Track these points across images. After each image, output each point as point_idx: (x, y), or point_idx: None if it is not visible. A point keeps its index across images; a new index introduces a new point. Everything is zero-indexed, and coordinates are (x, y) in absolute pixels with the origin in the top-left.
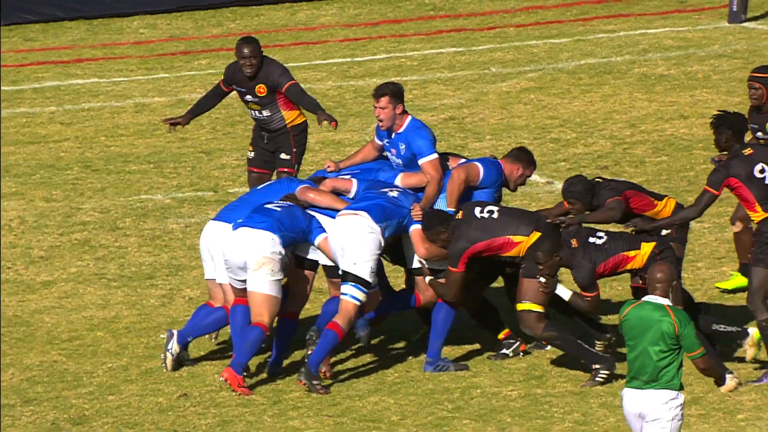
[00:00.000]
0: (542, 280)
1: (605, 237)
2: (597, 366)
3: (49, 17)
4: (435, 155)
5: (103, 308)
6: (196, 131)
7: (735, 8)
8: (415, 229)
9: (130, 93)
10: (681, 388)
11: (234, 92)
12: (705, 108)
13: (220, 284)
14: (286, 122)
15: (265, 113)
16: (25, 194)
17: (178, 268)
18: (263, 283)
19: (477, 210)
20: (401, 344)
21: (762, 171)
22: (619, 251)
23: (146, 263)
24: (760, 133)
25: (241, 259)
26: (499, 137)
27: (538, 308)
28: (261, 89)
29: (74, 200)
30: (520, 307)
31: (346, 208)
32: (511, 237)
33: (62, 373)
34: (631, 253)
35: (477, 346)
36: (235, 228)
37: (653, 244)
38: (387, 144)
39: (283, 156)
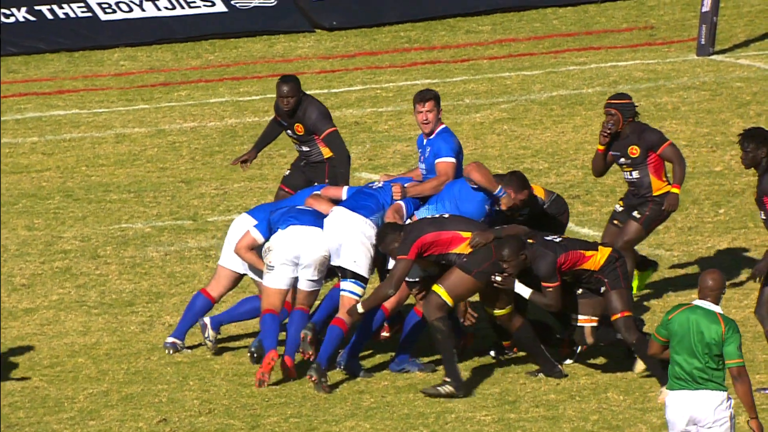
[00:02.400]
0: (498, 278)
1: (561, 237)
2: (448, 379)
3: (30, 49)
4: (452, 159)
5: (83, 335)
6: (176, 161)
7: (703, 41)
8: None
9: (111, 123)
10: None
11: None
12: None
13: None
14: (324, 157)
15: (305, 148)
16: (8, 223)
17: (157, 296)
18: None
19: (428, 216)
20: (377, 369)
21: None
22: (576, 248)
23: (126, 290)
24: (622, 159)
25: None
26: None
27: (448, 298)
28: (299, 128)
29: (55, 229)
30: (435, 287)
31: (340, 204)
32: (460, 232)
33: (44, 398)
34: (588, 253)
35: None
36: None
37: (610, 249)
38: (420, 149)
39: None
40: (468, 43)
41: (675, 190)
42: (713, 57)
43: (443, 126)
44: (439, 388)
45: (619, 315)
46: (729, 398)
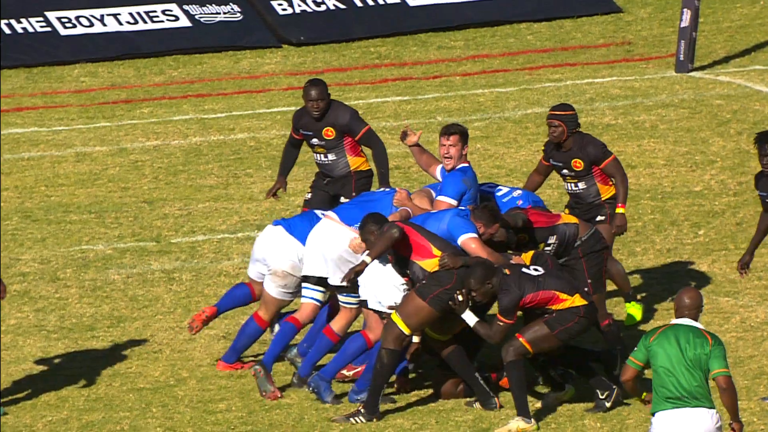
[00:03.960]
0: (458, 298)
1: (542, 271)
2: (363, 411)
3: None
4: (452, 201)
5: (42, 360)
6: (138, 181)
7: (682, 57)
8: (471, 237)
9: (71, 142)
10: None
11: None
12: (652, 158)
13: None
14: (351, 168)
15: (330, 157)
16: None
17: (119, 320)
18: None
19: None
20: (346, 395)
21: None
22: (551, 288)
23: (87, 314)
24: (565, 170)
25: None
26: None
27: (404, 327)
28: (329, 132)
29: (13, 251)
30: (393, 316)
31: (335, 210)
32: (432, 247)
33: (1, 426)
34: (562, 296)
35: (423, 396)
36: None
37: (586, 302)
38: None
39: (343, 200)
40: (440, 59)
41: (620, 210)
42: (692, 74)
43: (464, 164)
44: (351, 419)
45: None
46: (719, 414)
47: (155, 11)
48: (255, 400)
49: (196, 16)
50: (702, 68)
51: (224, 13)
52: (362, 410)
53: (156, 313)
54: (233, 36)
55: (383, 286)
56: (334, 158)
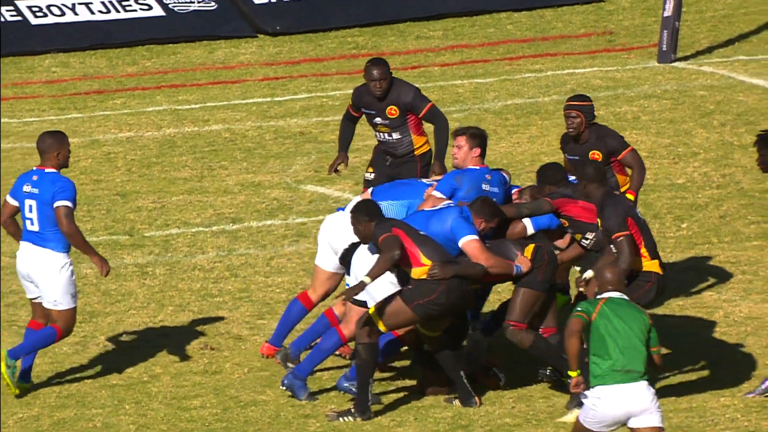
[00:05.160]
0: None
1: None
2: (353, 410)
3: None
4: (441, 195)
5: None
6: (111, 173)
7: (665, 48)
8: (472, 240)
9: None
10: None
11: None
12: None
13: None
14: (414, 147)
15: (395, 136)
16: None
17: (91, 315)
18: None
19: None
20: (321, 392)
21: None
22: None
23: None
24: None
25: None
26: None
27: (381, 326)
28: (392, 111)
29: None
30: (371, 312)
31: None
32: (422, 255)
33: None
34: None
35: (402, 394)
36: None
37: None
38: None
39: None
40: (418, 49)
41: (630, 196)
42: (675, 64)
43: (475, 167)
44: (341, 417)
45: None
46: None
47: (128, 0)
48: (230, 397)
49: (170, 5)
50: (685, 58)
51: (198, 2)
52: (353, 410)
53: (129, 308)
54: (208, 25)
55: (377, 281)
56: (399, 137)
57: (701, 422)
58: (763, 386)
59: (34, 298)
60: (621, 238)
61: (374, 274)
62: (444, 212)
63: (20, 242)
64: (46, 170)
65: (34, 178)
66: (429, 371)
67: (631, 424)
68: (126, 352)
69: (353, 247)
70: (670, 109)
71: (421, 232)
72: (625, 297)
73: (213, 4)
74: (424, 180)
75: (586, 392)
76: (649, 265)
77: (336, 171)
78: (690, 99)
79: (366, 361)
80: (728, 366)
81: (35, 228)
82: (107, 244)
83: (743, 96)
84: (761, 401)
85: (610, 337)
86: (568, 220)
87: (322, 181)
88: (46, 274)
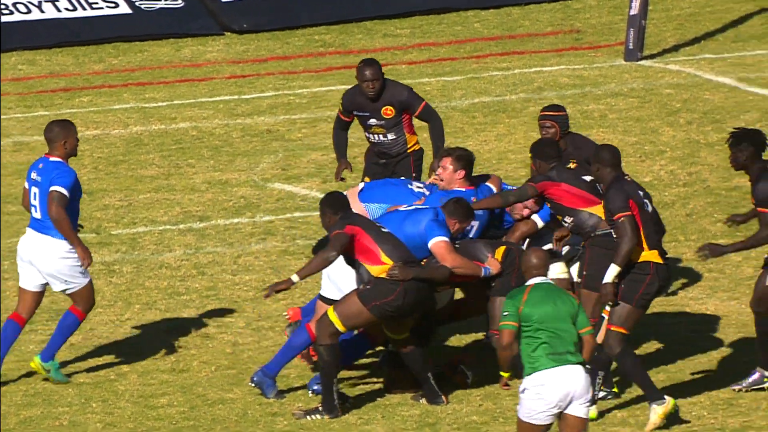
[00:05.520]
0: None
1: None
2: (321, 409)
3: None
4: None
5: None
6: (78, 171)
7: (631, 46)
8: (439, 241)
9: (8, 131)
10: None
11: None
12: None
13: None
14: (408, 146)
15: (390, 136)
16: None
17: (58, 313)
18: None
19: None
20: (289, 391)
21: None
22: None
23: None
24: None
25: None
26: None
27: (340, 326)
28: (388, 111)
29: None
30: (329, 311)
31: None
32: (381, 253)
33: None
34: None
35: (370, 392)
36: None
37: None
38: None
39: None
40: (386, 47)
41: None
42: (642, 62)
43: (458, 189)
44: (308, 415)
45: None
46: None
47: None
48: (197, 395)
49: (137, 3)
50: (651, 57)
51: (165, 0)
52: (320, 408)
53: (96, 306)
54: (175, 23)
55: (345, 279)
56: (394, 137)
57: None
58: (751, 378)
59: (25, 288)
60: (622, 218)
61: (304, 273)
62: (419, 214)
63: (26, 228)
64: (51, 159)
65: (40, 166)
66: (396, 370)
67: (566, 410)
68: (93, 350)
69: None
70: (636, 108)
71: (385, 230)
72: (551, 281)
73: (180, 1)
74: (414, 186)
75: (523, 384)
76: (647, 255)
77: (342, 179)
78: (657, 97)
79: (328, 362)
80: (695, 364)
81: (38, 215)
82: None
83: (709, 94)
84: (727, 398)
85: (539, 324)
86: (550, 202)
87: (289, 179)
88: (49, 261)
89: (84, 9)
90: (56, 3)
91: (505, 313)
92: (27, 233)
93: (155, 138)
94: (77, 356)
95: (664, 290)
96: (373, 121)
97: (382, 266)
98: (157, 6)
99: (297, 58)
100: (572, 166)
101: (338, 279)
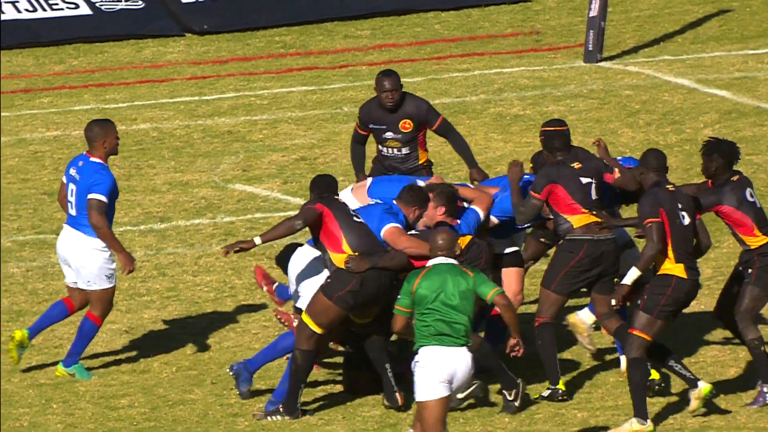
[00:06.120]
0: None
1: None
2: (281, 408)
3: None
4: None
5: None
6: (38, 172)
7: (591, 47)
8: (390, 227)
9: None
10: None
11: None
12: None
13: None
14: (419, 161)
15: (405, 151)
16: None
17: (18, 314)
18: None
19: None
20: (252, 392)
21: (752, 195)
22: None
23: None
24: None
25: None
26: (351, 178)
27: (314, 326)
28: (407, 124)
29: None
30: (303, 315)
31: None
32: (343, 241)
33: None
34: None
35: (331, 393)
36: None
37: (469, 237)
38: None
39: None
40: (346, 48)
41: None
42: (601, 64)
43: (445, 221)
44: (269, 416)
45: None
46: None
47: None
48: (158, 396)
49: (97, 4)
50: (611, 58)
51: (126, 1)
52: (281, 409)
53: None
54: (135, 24)
55: (309, 289)
56: (408, 152)
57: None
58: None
59: (72, 283)
60: (650, 224)
61: (268, 237)
62: (370, 209)
63: (64, 225)
64: (91, 158)
65: (80, 164)
66: (356, 371)
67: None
68: (53, 351)
69: (290, 250)
70: (596, 109)
71: (357, 220)
72: (454, 262)
73: (140, 2)
74: (424, 183)
75: (415, 358)
76: (672, 268)
77: None
78: (616, 98)
79: (301, 366)
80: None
81: (74, 212)
82: (34, 243)
83: (668, 96)
84: (686, 399)
85: (431, 303)
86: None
87: (250, 180)
88: (80, 256)
89: (44, 10)
90: (16, 4)
91: (399, 298)
92: (63, 229)
93: None
94: (38, 357)
95: (686, 305)
96: (389, 134)
97: (341, 255)
98: (118, 7)
99: (257, 59)
100: (576, 166)
101: (309, 291)
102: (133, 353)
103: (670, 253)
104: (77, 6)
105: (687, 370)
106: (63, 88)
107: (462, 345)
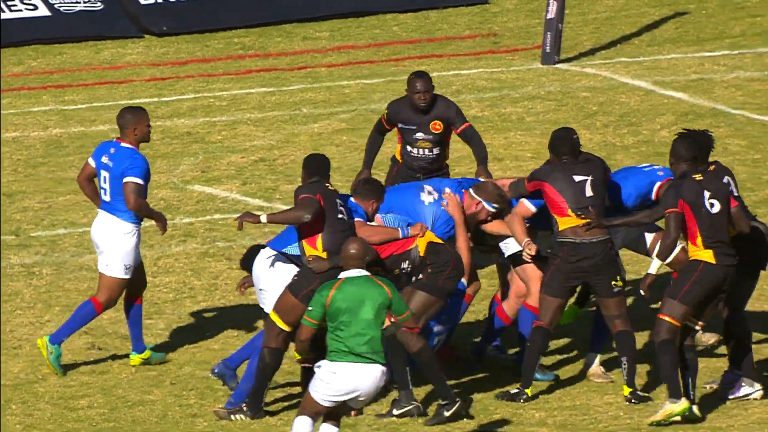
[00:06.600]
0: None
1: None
2: (244, 407)
3: None
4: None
5: None
6: None
7: (548, 49)
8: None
9: None
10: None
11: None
12: (519, 150)
13: None
14: (445, 161)
15: (436, 151)
16: None
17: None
18: None
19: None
20: (212, 391)
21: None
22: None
23: None
24: None
25: None
26: None
27: (282, 324)
28: (437, 125)
29: None
30: (271, 314)
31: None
32: (317, 237)
33: None
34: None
35: (290, 394)
36: None
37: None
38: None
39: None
40: (305, 50)
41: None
42: (559, 66)
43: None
44: (232, 414)
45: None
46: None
47: (13, 0)
48: (117, 397)
49: (56, 5)
50: (568, 60)
51: (85, 2)
52: (245, 408)
53: (15, 308)
54: (94, 26)
55: (273, 290)
56: (439, 152)
57: (584, 420)
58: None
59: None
60: (669, 214)
61: (273, 218)
62: None
63: (98, 210)
64: (123, 144)
65: (111, 150)
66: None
67: (352, 404)
68: (12, 352)
69: (253, 251)
70: (554, 110)
71: (340, 216)
72: (367, 274)
73: (99, 4)
74: (426, 190)
75: (320, 363)
76: (700, 254)
77: None
78: (573, 100)
79: (268, 365)
80: (612, 364)
81: (107, 198)
82: None
83: (625, 97)
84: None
85: (343, 318)
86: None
87: (209, 181)
88: (110, 239)
89: (2, 11)
90: None
91: (310, 309)
92: (98, 215)
93: (75, 140)
94: None
95: (719, 291)
96: (420, 134)
97: (314, 251)
98: (77, 8)
99: (216, 60)
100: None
101: (274, 292)
102: (93, 354)
103: (699, 241)
104: (36, 7)
105: (680, 382)
106: (22, 89)
107: (373, 362)
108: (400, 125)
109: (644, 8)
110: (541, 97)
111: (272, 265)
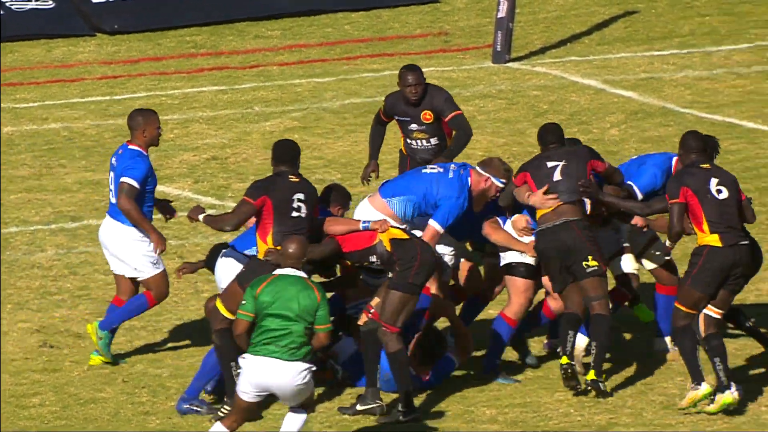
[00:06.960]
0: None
1: None
2: (225, 398)
3: None
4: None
5: None
6: None
7: (499, 48)
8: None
9: None
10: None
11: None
12: (470, 149)
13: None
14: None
15: (434, 141)
16: None
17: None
18: None
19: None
20: (164, 390)
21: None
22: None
23: None
24: None
25: None
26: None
27: (225, 311)
28: (427, 115)
29: None
30: (217, 303)
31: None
32: (271, 229)
33: None
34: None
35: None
36: None
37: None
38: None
39: None
40: (257, 48)
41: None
42: (509, 64)
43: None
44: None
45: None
46: (311, 367)
47: None
48: (69, 395)
49: (7, 4)
50: (519, 59)
51: (36, 1)
52: (225, 399)
53: None
54: (45, 24)
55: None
56: (437, 142)
57: (535, 417)
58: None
59: (117, 273)
60: (671, 204)
61: (207, 222)
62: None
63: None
64: (130, 146)
65: (120, 152)
66: None
67: (280, 398)
68: None
69: (216, 250)
70: (505, 109)
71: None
72: (300, 274)
73: (50, 2)
74: (428, 168)
75: (244, 355)
76: (706, 239)
77: (367, 180)
78: (524, 99)
79: (223, 345)
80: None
81: (113, 200)
82: None
83: (576, 96)
84: (593, 396)
85: (267, 312)
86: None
87: (161, 179)
88: (122, 246)
89: None
90: None
91: (244, 302)
92: (105, 219)
93: (26, 138)
94: None
95: (727, 272)
96: (414, 126)
97: (265, 246)
98: (28, 6)
99: (169, 59)
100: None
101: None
102: (44, 352)
103: (705, 227)
104: None
105: (701, 367)
106: None
107: (289, 359)
108: (396, 117)
109: (594, 7)
110: (492, 95)
111: (233, 266)
